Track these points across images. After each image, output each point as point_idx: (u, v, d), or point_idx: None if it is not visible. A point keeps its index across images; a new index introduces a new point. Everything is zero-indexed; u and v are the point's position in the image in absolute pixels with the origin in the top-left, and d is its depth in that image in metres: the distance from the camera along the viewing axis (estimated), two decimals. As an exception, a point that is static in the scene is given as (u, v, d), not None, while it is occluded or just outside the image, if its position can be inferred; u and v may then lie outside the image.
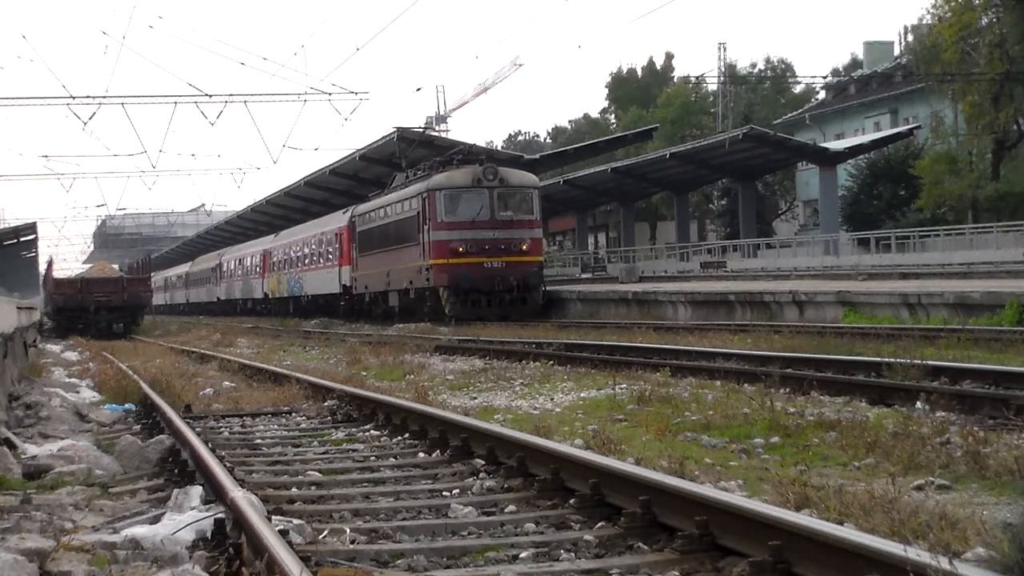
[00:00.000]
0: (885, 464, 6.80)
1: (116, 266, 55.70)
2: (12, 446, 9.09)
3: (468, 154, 34.77)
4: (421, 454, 8.21)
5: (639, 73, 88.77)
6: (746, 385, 11.02)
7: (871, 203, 54.79)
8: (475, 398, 12.27)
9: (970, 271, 30.04)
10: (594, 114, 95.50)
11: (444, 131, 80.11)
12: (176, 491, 6.60)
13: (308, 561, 4.60)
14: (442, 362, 17.85)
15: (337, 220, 42.71)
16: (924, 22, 56.45)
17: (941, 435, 7.45)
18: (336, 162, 48.32)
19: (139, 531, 5.66)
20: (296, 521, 5.66)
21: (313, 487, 7.09)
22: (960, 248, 40.94)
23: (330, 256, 42.33)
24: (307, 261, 45.74)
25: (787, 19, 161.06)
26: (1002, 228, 41.38)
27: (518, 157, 44.47)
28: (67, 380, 17.83)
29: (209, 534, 5.49)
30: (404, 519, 5.98)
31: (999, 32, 47.25)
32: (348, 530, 5.64)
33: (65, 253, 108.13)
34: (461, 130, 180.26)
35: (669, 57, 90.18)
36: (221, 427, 10.61)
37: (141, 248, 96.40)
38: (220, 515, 5.65)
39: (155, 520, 6.02)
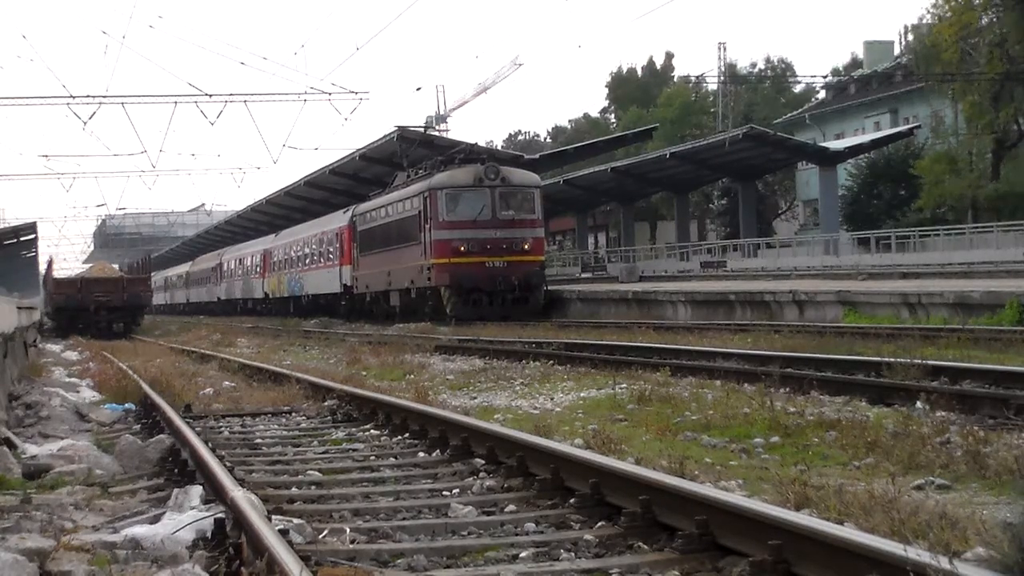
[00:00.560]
0: (885, 464, 6.80)
1: (116, 266, 55.70)
2: (12, 446, 9.10)
3: (470, 153, 34.71)
4: (421, 454, 8.21)
5: (639, 73, 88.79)
6: (746, 385, 11.02)
7: (871, 203, 54.79)
8: (475, 398, 12.27)
9: (970, 271, 30.04)
10: (594, 114, 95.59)
11: (444, 131, 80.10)
12: (176, 491, 6.60)
13: (308, 561, 4.60)
14: (442, 362, 17.85)
15: (338, 219, 42.68)
16: (924, 22, 56.50)
17: (941, 435, 7.45)
18: (336, 162, 48.30)
19: (139, 531, 5.66)
20: (296, 521, 5.66)
21: (313, 487, 7.09)
22: (960, 248, 40.94)
23: (331, 256, 42.29)
24: (308, 261, 45.72)
25: (787, 19, 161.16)
26: (1002, 228, 41.38)
27: (518, 157, 44.44)
28: (67, 380, 17.83)
29: (209, 534, 5.48)
30: (404, 519, 5.98)
31: (999, 32, 47.25)
32: (348, 530, 5.64)
33: (65, 253, 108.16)
34: (461, 130, 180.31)
35: (669, 57, 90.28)
36: (221, 427, 10.61)
37: (141, 248, 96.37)
38: (220, 515, 5.65)
39: (155, 520, 6.02)
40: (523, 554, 5.10)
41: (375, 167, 45.45)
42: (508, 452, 7.10)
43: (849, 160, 54.50)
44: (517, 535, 5.48)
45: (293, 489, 6.97)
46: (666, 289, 30.42)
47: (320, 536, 5.53)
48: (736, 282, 31.76)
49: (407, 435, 9.08)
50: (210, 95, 38.84)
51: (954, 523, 4.90)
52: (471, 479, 6.99)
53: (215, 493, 6.27)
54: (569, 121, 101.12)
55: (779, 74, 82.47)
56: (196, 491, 6.49)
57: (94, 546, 5.47)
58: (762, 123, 59.33)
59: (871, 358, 11.78)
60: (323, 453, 8.71)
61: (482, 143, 45.78)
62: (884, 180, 54.83)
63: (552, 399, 11.60)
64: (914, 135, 54.46)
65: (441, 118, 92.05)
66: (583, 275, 52.78)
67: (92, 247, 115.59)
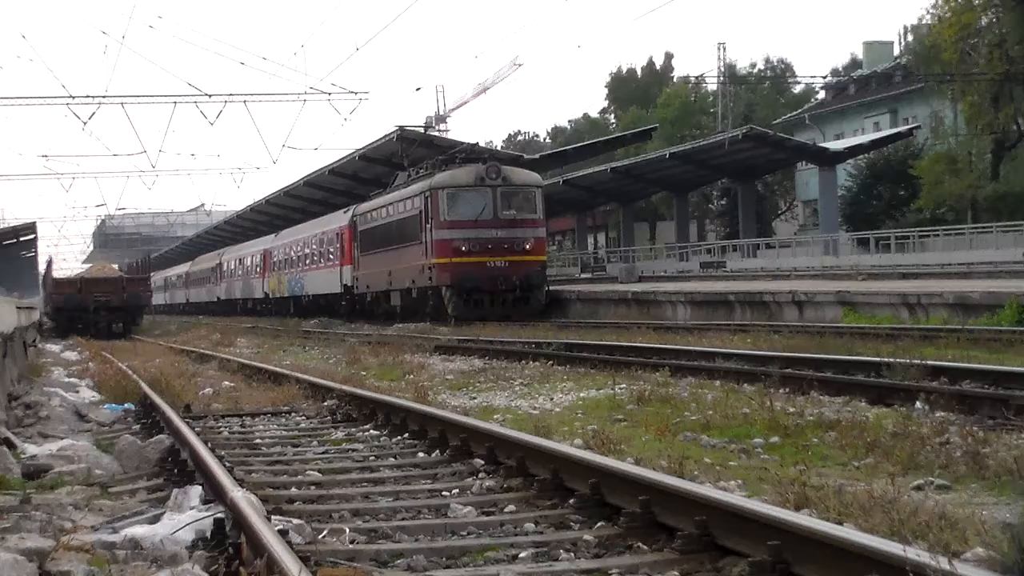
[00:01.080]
0: (885, 464, 6.80)
1: (116, 266, 55.68)
2: (12, 446, 9.09)
3: (471, 153, 34.61)
4: (421, 454, 8.21)
5: (639, 73, 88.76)
6: (746, 385, 11.03)
7: (871, 203, 54.82)
8: (475, 398, 12.27)
9: (970, 271, 30.04)
10: (594, 114, 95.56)
11: (444, 131, 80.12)
12: (175, 491, 6.60)
13: (307, 561, 4.60)
14: (442, 362, 17.85)
15: (338, 219, 42.63)
16: (924, 22, 56.53)
17: (941, 435, 7.45)
18: (336, 162, 48.28)
19: (138, 531, 5.66)
20: (296, 521, 5.67)
21: (312, 487, 7.09)
22: (960, 248, 40.94)
23: (331, 255, 42.24)
24: (308, 261, 45.68)
25: (787, 19, 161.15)
26: (1002, 228, 41.39)
27: (518, 157, 44.43)
28: (67, 380, 17.83)
29: (208, 534, 5.48)
30: (404, 519, 5.98)
31: (999, 32, 47.24)
32: (348, 530, 5.64)
33: (65, 253, 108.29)
34: (461, 130, 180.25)
35: (669, 57, 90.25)
36: (220, 427, 10.61)
37: (141, 248, 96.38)
38: (220, 515, 5.65)
39: (154, 520, 6.02)
40: (523, 554, 5.10)
41: (375, 167, 45.41)
42: (508, 452, 7.10)
43: (849, 160, 54.51)
44: (517, 535, 5.48)
45: (293, 489, 6.97)
46: (665, 289, 30.42)
47: (320, 536, 5.53)
48: (735, 282, 31.76)
49: (406, 435, 9.08)
50: (210, 95, 38.87)
51: (953, 523, 4.90)
52: (471, 479, 6.99)
53: (215, 493, 6.27)
54: (569, 121, 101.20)
55: (779, 74, 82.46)
56: (195, 491, 6.49)
57: (93, 546, 5.47)
58: (762, 123, 59.34)
59: (871, 358, 11.78)
60: (323, 453, 8.71)
61: (482, 143, 45.69)
62: (884, 180, 54.85)
63: (552, 399, 11.60)
64: (914, 135, 54.47)
65: (441, 118, 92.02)
66: (582, 275, 52.79)
67: (92, 247, 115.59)
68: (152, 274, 53.99)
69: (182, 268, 79.98)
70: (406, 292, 34.26)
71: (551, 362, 15.56)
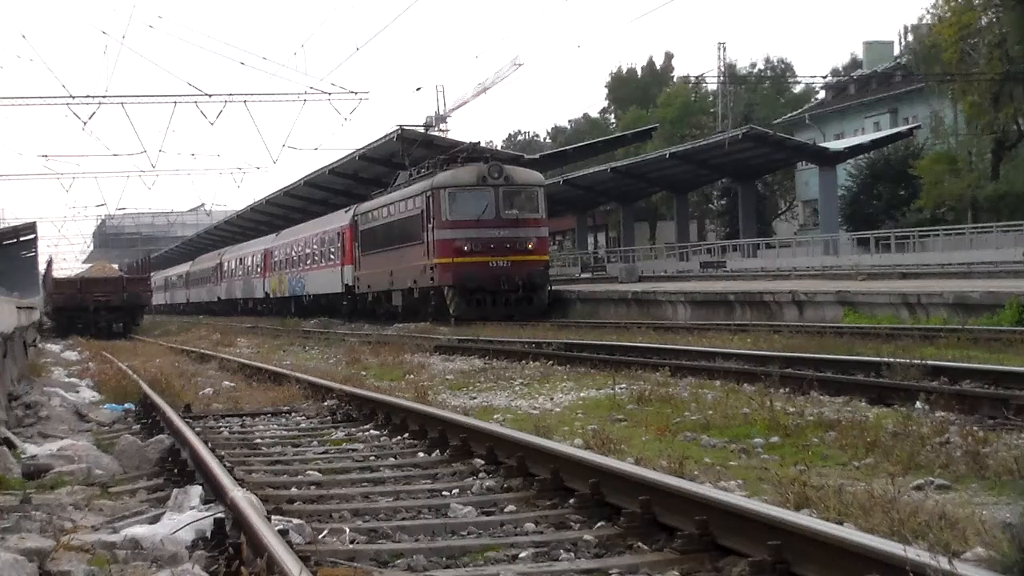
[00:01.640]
0: (885, 464, 6.80)
1: (116, 266, 55.68)
2: (12, 446, 9.10)
3: (473, 152, 34.44)
4: (421, 454, 8.21)
5: (639, 73, 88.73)
6: (746, 385, 11.03)
7: (871, 203, 54.82)
8: (475, 398, 12.27)
9: (970, 271, 30.04)
10: (594, 114, 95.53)
11: (444, 131, 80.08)
12: (176, 491, 6.60)
13: (308, 561, 4.60)
14: (442, 362, 17.86)
15: (339, 219, 42.56)
16: (924, 22, 56.53)
17: (941, 435, 7.45)
18: (336, 162, 48.26)
19: (139, 531, 5.66)
20: (296, 521, 5.66)
21: (313, 487, 7.09)
22: (960, 248, 40.94)
23: (332, 255, 42.16)
24: (309, 260, 45.62)
25: (787, 19, 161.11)
26: (1002, 228, 41.38)
27: (518, 157, 44.40)
28: (67, 380, 17.83)
29: (209, 534, 5.48)
30: (404, 519, 5.98)
31: (999, 32, 47.24)
32: (348, 530, 5.64)
33: (65, 253, 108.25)
34: (461, 130, 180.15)
35: (669, 57, 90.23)
36: (221, 427, 10.61)
37: (141, 248, 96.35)
38: (220, 515, 5.65)
39: (155, 520, 6.02)
40: (523, 554, 5.10)
41: (375, 167, 45.39)
42: (508, 452, 7.10)
43: (849, 160, 54.50)
44: (517, 535, 5.48)
45: (293, 489, 6.97)
46: (666, 289, 30.41)
47: (320, 536, 5.53)
48: (736, 282, 31.77)
49: (407, 435, 9.08)
50: (210, 95, 38.87)
51: (954, 523, 4.90)
52: (471, 479, 6.99)
53: (215, 493, 6.27)
54: (569, 121, 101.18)
55: (779, 74, 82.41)
56: (196, 491, 6.49)
57: (94, 546, 5.47)
58: (762, 123, 59.33)
59: (871, 358, 11.78)
60: (323, 453, 8.71)
61: (482, 143, 45.69)
62: (884, 180, 54.83)
63: (552, 399, 11.60)
64: (914, 135, 54.46)
65: (441, 118, 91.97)
66: (582, 275, 52.79)
67: (92, 247, 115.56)
68: (152, 274, 53.96)
69: (182, 268, 79.97)
70: (408, 292, 34.15)
71: (551, 362, 15.56)
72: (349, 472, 7.68)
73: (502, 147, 79.61)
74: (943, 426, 7.78)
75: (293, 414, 11.37)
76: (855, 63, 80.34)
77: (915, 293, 20.91)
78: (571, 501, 5.98)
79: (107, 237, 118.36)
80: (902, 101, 62.60)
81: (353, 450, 8.82)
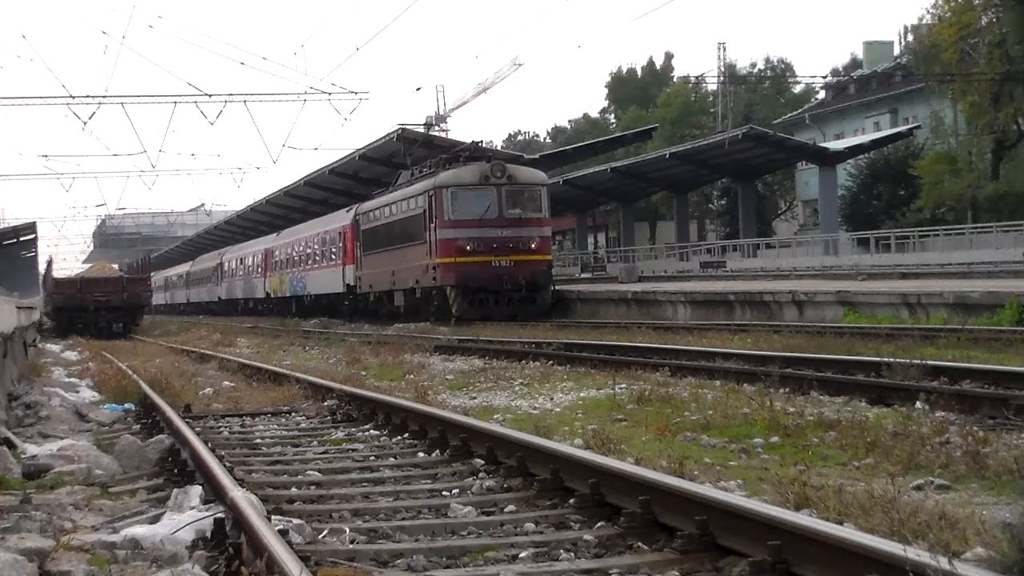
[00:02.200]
0: (885, 464, 6.80)
1: (116, 266, 55.68)
2: (12, 446, 9.10)
3: (475, 151, 34.22)
4: (421, 454, 8.21)
5: (639, 73, 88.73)
6: (746, 385, 11.03)
7: (871, 203, 54.81)
8: (475, 398, 12.27)
9: (970, 271, 30.04)
10: (594, 114, 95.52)
11: (444, 131, 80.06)
12: (176, 491, 6.60)
13: (308, 561, 4.60)
14: (442, 362, 17.86)
15: (340, 218, 42.45)
16: (924, 22, 56.53)
17: (941, 435, 7.45)
18: (336, 162, 48.25)
19: (139, 531, 5.66)
20: (296, 521, 5.66)
21: (313, 487, 7.09)
22: (960, 248, 40.94)
23: (334, 255, 42.04)
24: (310, 260, 45.53)
25: (787, 19, 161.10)
26: (1002, 228, 41.38)
27: (518, 157, 44.37)
28: (67, 380, 17.83)
29: (209, 534, 5.49)
30: (404, 519, 5.98)
31: (999, 32, 47.25)
32: (348, 530, 5.64)
33: (65, 253, 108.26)
34: (461, 130, 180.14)
35: (669, 57, 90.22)
36: (221, 427, 10.61)
37: (141, 248, 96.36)
38: (220, 515, 5.65)
39: (155, 520, 6.02)
40: (523, 554, 5.10)
41: (375, 167, 45.38)
42: (508, 452, 7.10)
43: (849, 160, 54.50)
44: (517, 535, 5.48)
45: (293, 489, 6.97)
46: (666, 289, 30.40)
47: (320, 536, 5.53)
48: (736, 282, 31.76)
49: (407, 435, 9.08)
50: (210, 95, 38.88)
51: (954, 523, 4.90)
52: (471, 479, 6.99)
53: (215, 493, 6.27)
54: (569, 121, 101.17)
55: (779, 74, 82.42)
56: (196, 491, 6.49)
57: (94, 546, 5.47)
58: (762, 123, 59.33)
59: (871, 358, 11.78)
60: (323, 453, 8.71)
61: (482, 143, 45.68)
62: (884, 180, 54.83)
63: (552, 399, 11.60)
64: (914, 135, 54.46)
65: (441, 118, 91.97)
66: (582, 275, 52.79)
67: (92, 247, 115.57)
68: (152, 274, 53.95)
69: (183, 268, 79.95)
70: (410, 292, 33.98)
71: (551, 362, 15.56)
72: (349, 472, 7.67)
73: (502, 147, 79.56)
74: (943, 426, 7.78)
75: (293, 414, 11.37)
76: (855, 63, 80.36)
77: (915, 293, 20.91)
78: (571, 501, 5.98)
79: (107, 237, 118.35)
80: (902, 101, 62.60)
81: (353, 450, 8.82)
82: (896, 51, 72.30)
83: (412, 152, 38.92)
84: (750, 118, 63.37)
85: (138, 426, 10.92)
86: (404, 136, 40.22)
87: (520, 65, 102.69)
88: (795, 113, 73.67)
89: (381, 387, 13.25)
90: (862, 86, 69.71)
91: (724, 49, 72.49)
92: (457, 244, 30.82)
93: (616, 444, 7.70)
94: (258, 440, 9.59)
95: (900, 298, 21.12)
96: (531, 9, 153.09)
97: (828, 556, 4.13)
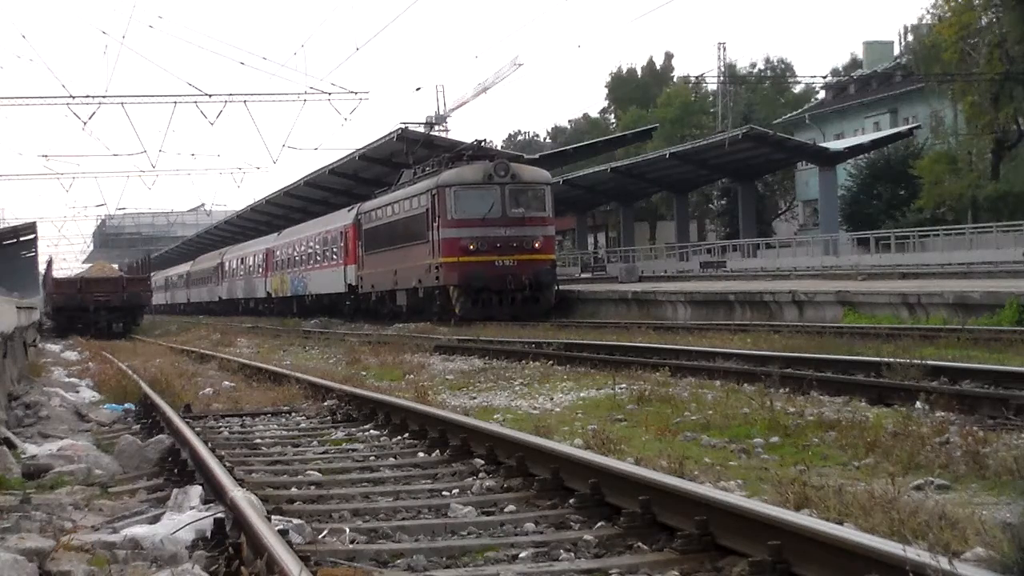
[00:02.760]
0: (885, 464, 6.80)
1: (116, 266, 55.69)
2: (12, 446, 9.10)
3: (478, 150, 33.96)
4: (421, 454, 8.21)
5: (639, 73, 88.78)
6: (746, 385, 11.03)
7: (871, 203, 54.81)
8: (475, 398, 12.27)
9: (970, 271, 30.03)
10: (594, 114, 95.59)
11: (444, 131, 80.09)
12: (176, 491, 6.60)
13: (308, 561, 4.60)
14: (442, 362, 17.85)
15: (342, 218, 42.32)
16: (924, 22, 56.56)
17: (941, 435, 7.45)
18: (336, 162, 48.25)
19: (139, 531, 5.66)
20: (296, 521, 5.66)
21: (313, 487, 7.09)
22: (960, 248, 40.95)
23: (335, 255, 41.91)
24: (311, 260, 45.42)
25: (787, 19, 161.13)
26: (1002, 228, 41.39)
27: (518, 157, 44.38)
28: (67, 380, 17.83)
29: (209, 534, 5.49)
30: (404, 519, 5.98)
31: (999, 32, 47.25)
32: (348, 530, 5.64)
33: (65, 253, 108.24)
34: (461, 130, 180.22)
35: (669, 57, 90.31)
36: (221, 427, 10.61)
37: (141, 248, 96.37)
38: (220, 515, 5.65)
39: (155, 520, 6.02)
40: (523, 554, 5.10)
41: (375, 167, 45.37)
42: (508, 452, 7.10)
43: (849, 160, 54.50)
44: (517, 535, 5.48)
45: (293, 489, 6.97)
46: (666, 289, 30.39)
47: (320, 536, 5.53)
48: (735, 282, 31.75)
49: (407, 435, 9.07)
50: (210, 95, 38.88)
51: (954, 523, 4.90)
52: (471, 479, 6.99)
53: (215, 493, 6.27)
54: (569, 121, 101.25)
55: (779, 74, 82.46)
56: (196, 491, 6.48)
57: (93, 546, 5.47)
58: (762, 123, 59.33)
59: (871, 358, 11.78)
60: (323, 453, 8.71)
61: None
62: (884, 180, 54.85)
63: (552, 399, 11.60)
64: (914, 135, 54.47)
65: (441, 118, 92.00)
66: (583, 275, 52.78)
67: (92, 247, 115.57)
68: (152, 274, 53.93)
69: (183, 268, 79.94)
70: (412, 292, 33.75)
71: (551, 362, 15.55)
72: (349, 472, 7.67)
73: (502, 147, 79.55)
74: (943, 426, 7.78)
75: (293, 414, 11.37)
76: (855, 63, 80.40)
77: (915, 293, 20.90)
78: (571, 501, 5.98)
79: (107, 237, 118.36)
80: (902, 101, 62.61)
81: (353, 450, 8.82)
82: (896, 51, 72.35)
83: (414, 152, 38.79)
84: (750, 118, 63.38)
85: (138, 426, 10.91)
86: (404, 136, 40.17)
87: (520, 65, 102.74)
88: (795, 113, 73.68)
89: (381, 387, 13.25)
90: (862, 86, 69.74)
91: (724, 49, 72.71)
92: (460, 243, 30.63)
93: (616, 444, 7.70)
94: (258, 440, 9.59)
95: (900, 298, 21.12)
96: (531, 9, 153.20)
97: (828, 556, 4.13)
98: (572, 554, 5.09)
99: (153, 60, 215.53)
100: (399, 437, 9.15)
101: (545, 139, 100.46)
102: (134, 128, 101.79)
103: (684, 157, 51.01)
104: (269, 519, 5.36)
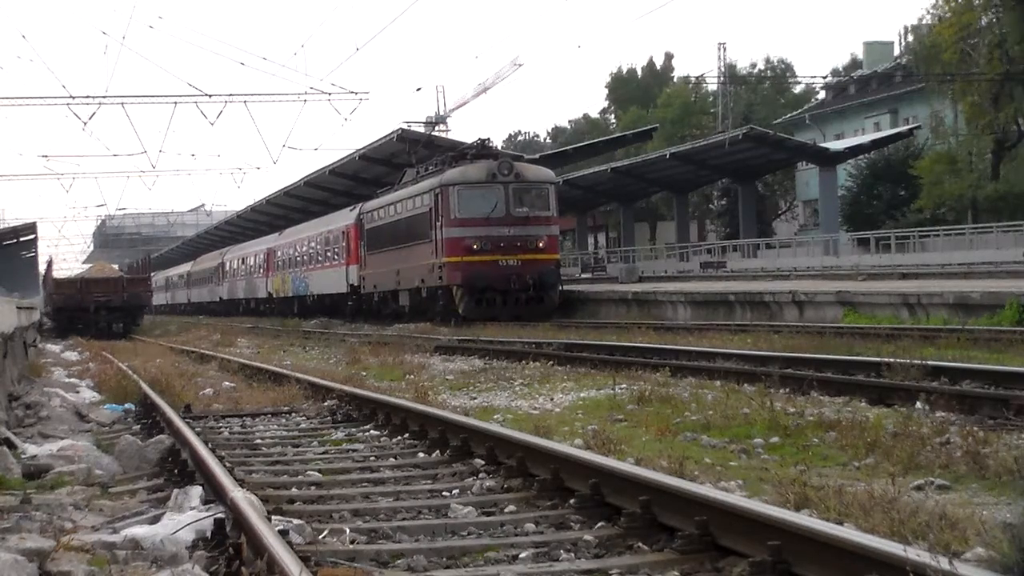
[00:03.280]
0: (885, 464, 6.79)
1: (116, 266, 55.70)
2: (12, 446, 9.10)
3: (481, 149, 33.62)
4: (421, 454, 8.21)
5: (639, 73, 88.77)
6: (746, 385, 11.02)
7: (871, 203, 54.82)
8: (475, 398, 12.27)
9: (970, 271, 30.02)
10: (594, 114, 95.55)
11: (444, 131, 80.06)
12: (176, 491, 6.60)
13: (308, 561, 4.60)
14: (442, 362, 17.85)
15: (344, 217, 42.18)
16: (924, 22, 56.54)
17: (941, 435, 7.45)
18: (336, 162, 48.24)
19: (139, 531, 5.66)
20: (296, 521, 5.67)
21: (313, 487, 7.09)
22: (960, 248, 40.95)
23: (337, 255, 41.76)
24: (313, 260, 45.29)
25: (787, 19, 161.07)
26: (1002, 228, 41.39)
27: (518, 157, 44.37)
28: (67, 380, 17.83)
29: (209, 534, 5.49)
30: (404, 519, 5.98)
31: (999, 32, 47.26)
32: (348, 530, 5.64)
33: (65, 253, 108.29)
34: (461, 130, 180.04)
35: (669, 57, 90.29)
36: (221, 427, 10.61)
37: (141, 248, 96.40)
38: (220, 515, 5.65)
39: (155, 520, 6.02)
40: (523, 554, 5.10)
41: (375, 167, 45.36)
42: (508, 452, 7.10)
43: (849, 160, 54.50)
44: (517, 535, 5.48)
45: (293, 489, 6.97)
46: (666, 289, 30.38)
47: (320, 536, 5.53)
48: (736, 282, 31.75)
49: (407, 435, 9.08)
50: (210, 95, 38.86)
51: (954, 523, 4.90)
52: (471, 479, 6.99)
53: (215, 493, 6.27)
54: (569, 121, 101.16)
55: (779, 74, 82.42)
56: (196, 491, 6.49)
57: (94, 546, 5.47)
58: (762, 123, 59.33)
59: (871, 358, 11.78)
60: (323, 453, 8.71)
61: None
62: (884, 180, 54.85)
63: (552, 399, 11.60)
64: (914, 135, 54.48)
65: (441, 118, 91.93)
66: (583, 275, 52.77)
67: (92, 247, 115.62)
68: (153, 274, 53.91)
69: (183, 268, 79.93)
70: (415, 292, 33.52)
71: (551, 362, 15.55)
72: (349, 472, 7.67)
73: (502, 147, 79.53)
74: (943, 426, 7.78)
75: (293, 414, 11.37)
76: (855, 63, 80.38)
77: (915, 293, 20.90)
78: (571, 501, 5.98)
79: (107, 237, 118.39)
80: (902, 101, 62.62)
81: (353, 450, 8.82)
82: (896, 51, 72.36)
83: (416, 152, 38.65)
84: (750, 118, 63.37)
85: (138, 426, 10.92)
86: (404, 136, 40.10)
87: (520, 65, 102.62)
88: (795, 113, 73.68)
89: (381, 387, 13.25)
90: (862, 86, 69.74)
91: (724, 49, 72.44)
92: (464, 243, 30.39)
93: (616, 444, 7.70)
94: (258, 440, 9.60)
95: (900, 298, 21.12)
96: (531, 9, 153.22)
97: (828, 556, 4.13)
98: (572, 554, 5.09)
99: (153, 60, 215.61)
100: (399, 437, 9.15)
101: (545, 139, 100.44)
102: (134, 128, 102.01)
103: (684, 157, 51.01)
104: (269, 519, 5.36)
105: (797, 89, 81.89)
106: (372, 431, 9.74)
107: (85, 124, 39.77)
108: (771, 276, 35.23)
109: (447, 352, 19.69)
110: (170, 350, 25.80)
